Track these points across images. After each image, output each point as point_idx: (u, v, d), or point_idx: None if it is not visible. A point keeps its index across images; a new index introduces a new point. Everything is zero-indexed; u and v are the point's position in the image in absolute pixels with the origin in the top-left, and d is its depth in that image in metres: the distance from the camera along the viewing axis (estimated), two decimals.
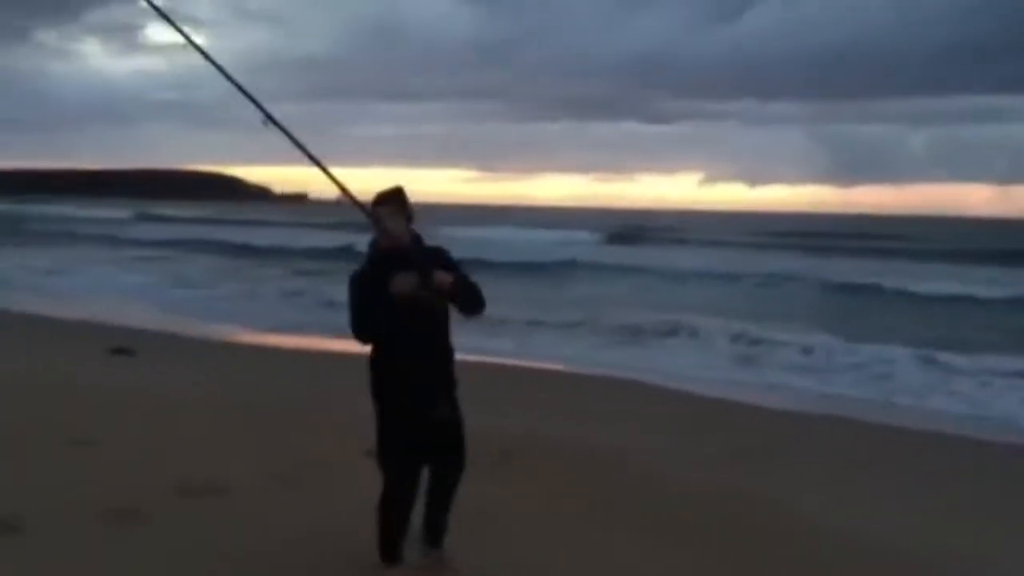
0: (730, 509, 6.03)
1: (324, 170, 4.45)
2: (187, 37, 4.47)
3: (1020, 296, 22.45)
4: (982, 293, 22.91)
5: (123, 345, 11.85)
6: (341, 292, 4.80)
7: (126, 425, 7.29)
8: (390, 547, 4.38)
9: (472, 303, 4.31)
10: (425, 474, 4.41)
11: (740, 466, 7.37)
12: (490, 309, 4.45)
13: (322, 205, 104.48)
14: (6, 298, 17.97)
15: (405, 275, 4.11)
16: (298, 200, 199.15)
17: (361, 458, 6.33)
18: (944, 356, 12.96)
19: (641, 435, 8.36)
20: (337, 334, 14.17)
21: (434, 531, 4.47)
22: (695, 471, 7.05)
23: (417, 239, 4.32)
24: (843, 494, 6.79)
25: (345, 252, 29.68)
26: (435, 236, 4.64)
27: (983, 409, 10.47)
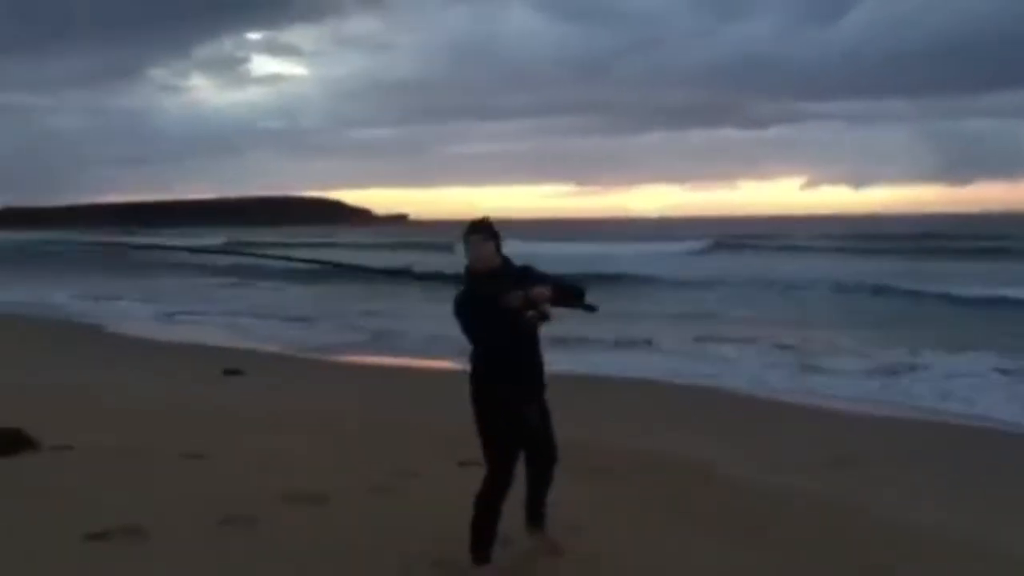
0: (819, 516, 6.15)
1: None
2: None
3: None
4: None
5: (234, 366, 12.57)
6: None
7: (237, 439, 7.80)
8: (484, 545, 4.73)
9: (573, 298, 4.79)
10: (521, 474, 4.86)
11: (831, 473, 7.46)
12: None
13: (421, 225, 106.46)
14: (120, 324, 19.14)
15: (514, 293, 4.56)
16: (399, 220, 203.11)
17: (453, 467, 6.78)
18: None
19: (726, 444, 8.52)
20: (419, 353, 14.91)
21: (538, 515, 5.02)
22: (783, 478, 7.17)
23: (506, 260, 4.79)
24: (942, 502, 6.81)
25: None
26: (533, 253, 5.02)
27: None
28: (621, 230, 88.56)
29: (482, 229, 4.76)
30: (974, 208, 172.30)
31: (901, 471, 7.75)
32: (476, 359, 4.77)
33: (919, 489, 7.15)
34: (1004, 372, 12.58)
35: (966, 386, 11.74)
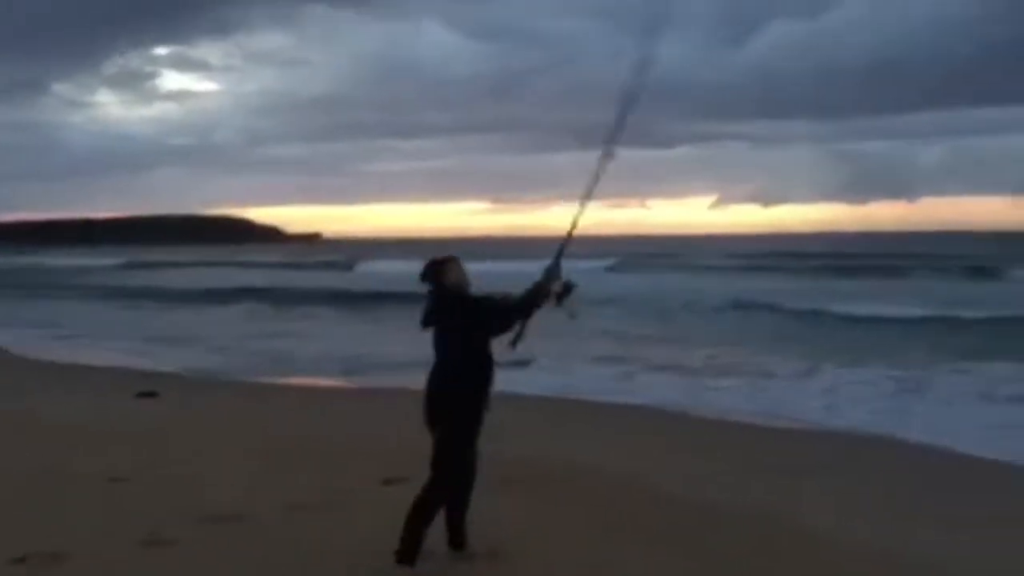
0: (749, 528, 6.36)
1: None
2: None
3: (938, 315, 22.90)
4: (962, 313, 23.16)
5: (146, 388, 12.45)
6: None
7: (156, 461, 7.81)
8: (414, 548, 5.02)
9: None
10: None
11: (758, 485, 7.73)
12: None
13: (335, 244, 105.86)
14: (25, 346, 18.70)
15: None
16: (311, 239, 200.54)
17: (377, 486, 6.90)
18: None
19: (657, 457, 8.78)
20: (345, 373, 15.03)
21: (460, 534, 5.31)
22: (711, 491, 7.39)
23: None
24: (862, 511, 7.06)
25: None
26: None
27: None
28: (536, 248, 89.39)
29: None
30: (873, 226, 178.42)
31: (821, 482, 8.04)
32: (474, 368, 5.18)
33: (840, 500, 7.43)
34: (897, 383, 13.36)
35: (866, 397, 12.41)
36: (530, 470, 7.48)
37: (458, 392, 5.15)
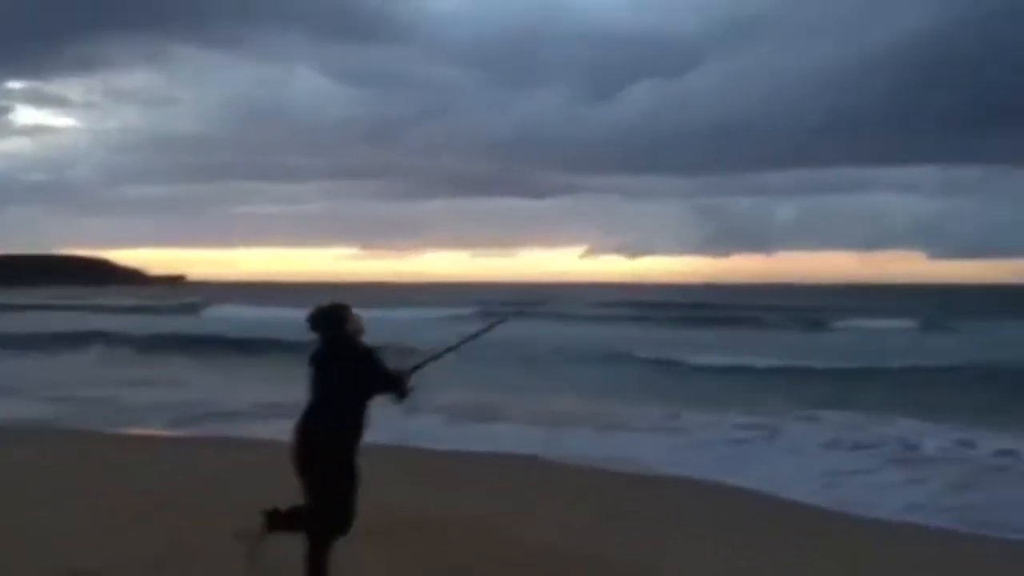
0: (598, 571, 6.58)
1: None
2: None
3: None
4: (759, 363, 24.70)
5: None
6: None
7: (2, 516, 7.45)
8: None
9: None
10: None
11: (605, 531, 7.97)
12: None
13: (196, 286, 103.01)
14: None
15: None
16: (174, 282, 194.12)
17: (229, 541, 6.69)
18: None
19: (513, 505, 8.88)
20: (191, 421, 14.53)
21: None
22: (558, 536, 7.59)
23: None
24: (705, 556, 7.36)
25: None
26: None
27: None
28: (406, 294, 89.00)
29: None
30: (733, 278, 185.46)
31: (672, 528, 8.35)
32: (352, 418, 5.21)
33: (689, 544, 7.71)
34: (747, 430, 14.01)
35: (715, 445, 12.95)
36: (384, 519, 7.43)
37: (341, 437, 5.16)
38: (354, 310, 5.46)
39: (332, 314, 5.38)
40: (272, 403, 15.82)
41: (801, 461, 12.06)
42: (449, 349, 5.62)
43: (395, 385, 5.29)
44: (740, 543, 7.97)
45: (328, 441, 5.15)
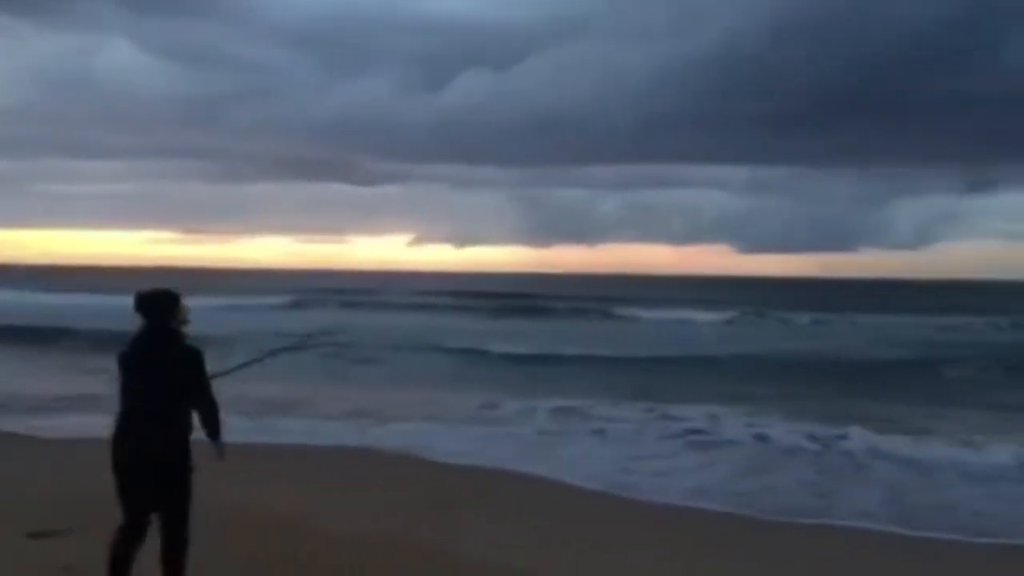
0: (420, 561, 6.68)
1: None
2: None
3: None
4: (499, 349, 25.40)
5: None
6: None
7: None
8: None
9: None
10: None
11: (408, 516, 8.10)
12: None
13: None
14: None
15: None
16: None
17: (22, 540, 6.43)
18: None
19: (323, 497, 8.88)
20: None
21: None
22: (371, 525, 7.67)
23: None
24: (506, 539, 7.61)
25: None
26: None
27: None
28: (225, 280, 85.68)
29: None
30: (556, 268, 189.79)
31: (489, 517, 8.51)
32: (184, 417, 4.86)
33: (507, 534, 7.87)
34: (553, 417, 14.52)
35: (521, 434, 13.30)
36: (199, 515, 6.97)
37: (181, 446, 4.83)
38: (183, 300, 5.01)
39: (162, 301, 4.93)
40: (60, 396, 15.10)
41: (603, 448, 12.35)
42: (238, 367, 5.45)
43: (215, 410, 4.98)
44: (530, 526, 8.20)
45: (170, 452, 4.80)
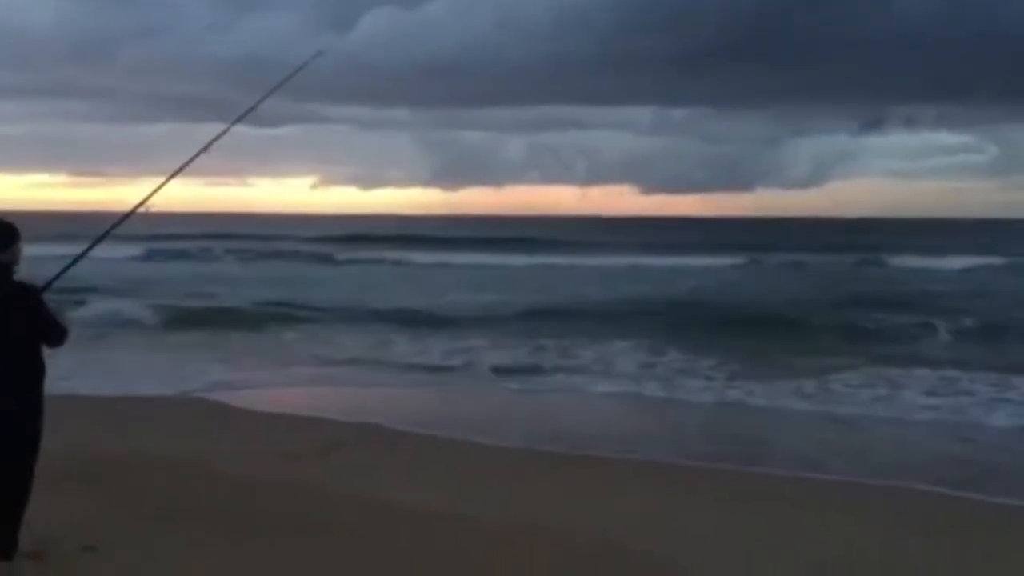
0: (317, 501, 6.92)
1: None
2: None
3: None
4: None
5: None
6: None
7: None
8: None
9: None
10: None
11: (294, 464, 8.28)
12: None
13: None
14: None
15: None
16: None
17: None
18: None
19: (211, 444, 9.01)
20: None
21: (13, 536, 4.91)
22: (271, 469, 7.92)
23: None
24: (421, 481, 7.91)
25: None
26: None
27: None
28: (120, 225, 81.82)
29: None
30: (464, 211, 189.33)
31: (376, 456, 8.87)
32: (38, 361, 4.73)
33: (398, 470, 8.26)
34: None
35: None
36: (82, 465, 7.40)
37: (31, 406, 4.71)
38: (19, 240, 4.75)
39: (6, 232, 4.70)
40: None
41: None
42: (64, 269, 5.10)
43: (62, 333, 4.80)
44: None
45: (21, 399, 4.69)
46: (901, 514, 7.33)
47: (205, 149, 5.84)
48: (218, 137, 5.96)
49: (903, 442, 10.34)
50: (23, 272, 4.82)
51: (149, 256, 41.65)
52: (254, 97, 6.31)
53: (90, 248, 5.32)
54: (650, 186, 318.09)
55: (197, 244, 49.54)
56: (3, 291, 4.66)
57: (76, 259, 5.17)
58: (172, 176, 5.69)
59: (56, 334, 4.76)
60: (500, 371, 14.25)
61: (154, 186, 5.63)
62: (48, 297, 4.86)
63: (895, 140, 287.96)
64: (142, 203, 5.57)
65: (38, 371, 4.80)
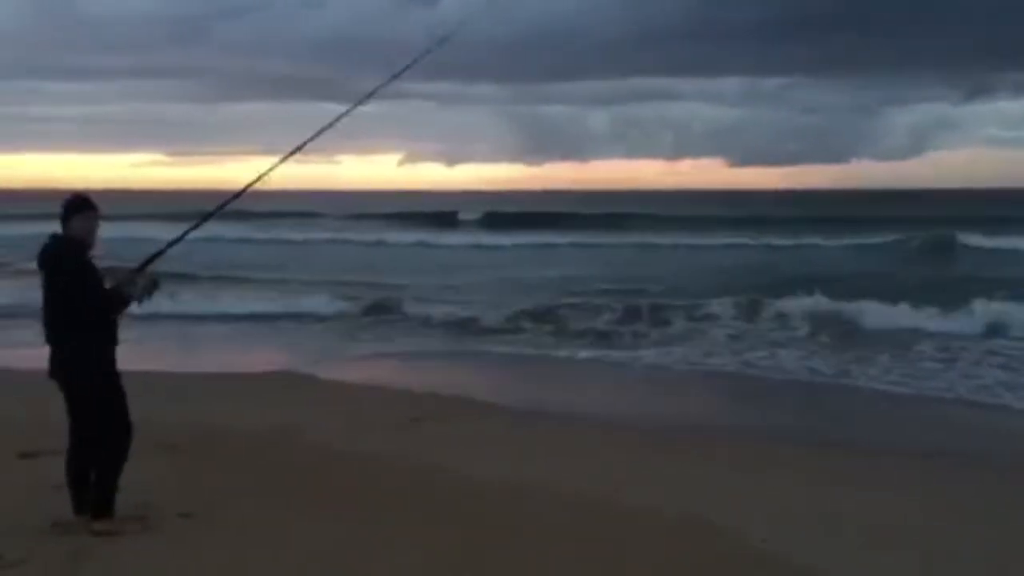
0: (407, 474, 6.85)
1: None
2: None
3: None
4: None
5: None
6: None
7: None
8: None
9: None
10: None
11: (407, 435, 8.31)
12: None
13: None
14: None
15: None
16: None
17: (12, 460, 6.73)
18: None
19: (301, 417, 9.01)
20: None
21: (109, 499, 5.17)
22: (365, 443, 7.87)
23: None
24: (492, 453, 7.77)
25: None
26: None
27: None
28: (215, 203, 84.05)
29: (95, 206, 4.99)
30: (548, 185, 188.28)
31: (464, 429, 8.72)
32: (87, 326, 4.85)
33: (482, 446, 8.10)
34: None
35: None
36: (163, 435, 7.37)
37: (82, 352, 4.88)
38: (93, 215, 4.96)
39: (66, 205, 4.94)
40: None
41: None
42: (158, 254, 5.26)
43: (110, 301, 4.96)
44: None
45: (73, 358, 4.89)
46: None
47: (330, 126, 5.95)
48: (342, 116, 6.04)
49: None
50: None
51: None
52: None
53: (198, 225, 5.51)
54: (740, 159, 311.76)
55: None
56: (61, 265, 4.88)
57: (185, 234, 5.41)
58: (291, 154, 5.77)
59: (92, 299, 4.89)
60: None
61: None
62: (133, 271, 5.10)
63: (1001, 107, 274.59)
64: (258, 179, 5.75)
65: (90, 337, 4.94)
